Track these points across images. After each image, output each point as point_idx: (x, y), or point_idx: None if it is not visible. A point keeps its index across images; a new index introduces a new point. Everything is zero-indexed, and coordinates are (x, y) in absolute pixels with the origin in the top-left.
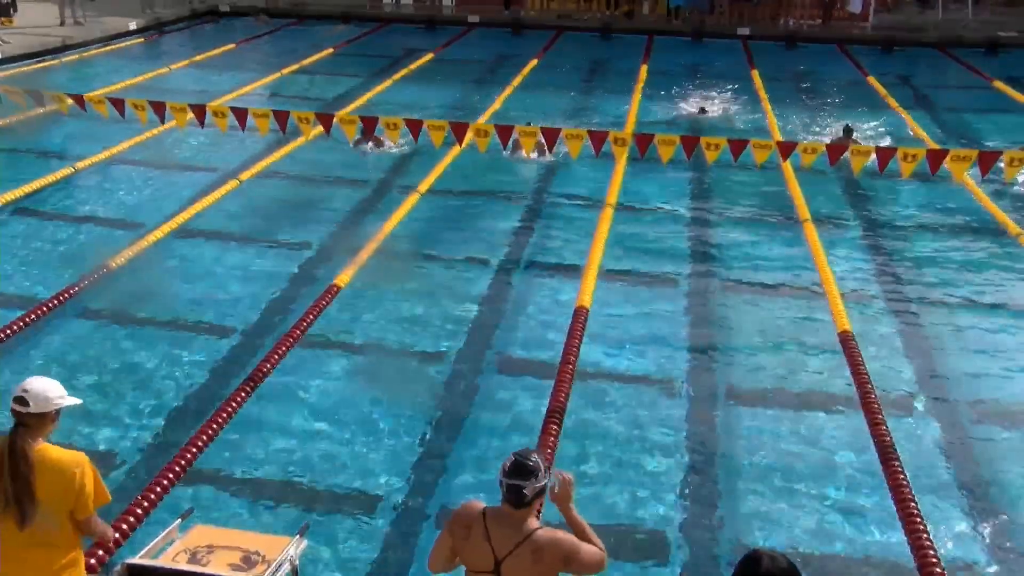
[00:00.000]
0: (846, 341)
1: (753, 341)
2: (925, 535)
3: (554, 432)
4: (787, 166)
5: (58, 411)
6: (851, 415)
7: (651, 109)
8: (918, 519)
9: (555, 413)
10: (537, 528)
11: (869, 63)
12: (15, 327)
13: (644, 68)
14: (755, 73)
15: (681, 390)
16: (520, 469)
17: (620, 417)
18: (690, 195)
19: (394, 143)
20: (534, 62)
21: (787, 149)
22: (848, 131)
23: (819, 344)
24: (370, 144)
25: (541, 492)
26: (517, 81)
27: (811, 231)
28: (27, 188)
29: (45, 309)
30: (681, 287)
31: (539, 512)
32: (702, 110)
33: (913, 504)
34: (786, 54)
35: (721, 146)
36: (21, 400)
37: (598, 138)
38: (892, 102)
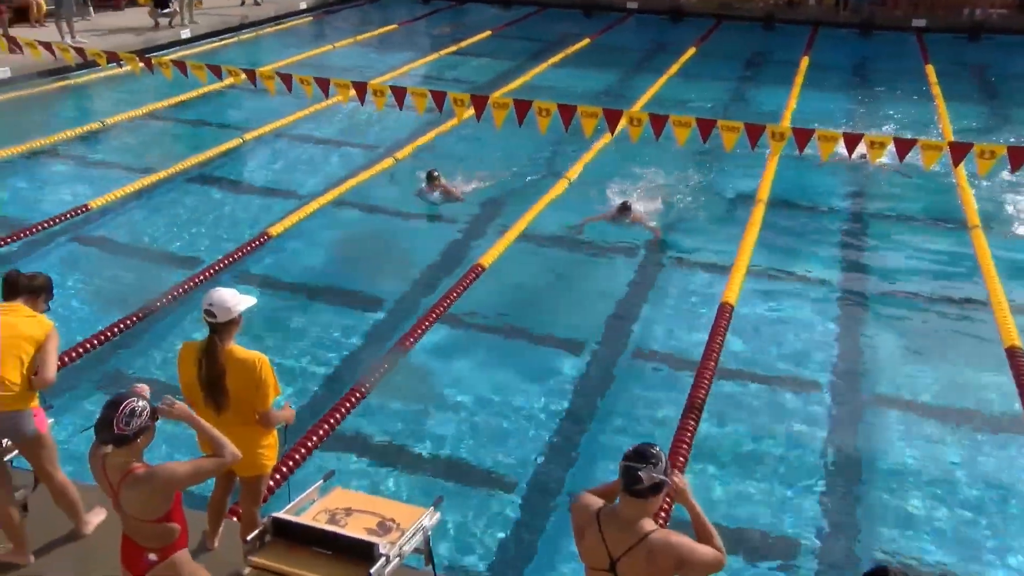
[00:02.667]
0: (1014, 356)
1: (905, 349)
2: None
3: (691, 428)
4: (960, 170)
5: (240, 315)
6: (1015, 435)
7: (810, 103)
8: None
9: (693, 410)
10: (652, 530)
11: None
12: (182, 288)
13: (805, 61)
14: (929, 68)
15: (824, 394)
16: (640, 454)
17: (758, 417)
18: (847, 194)
19: (543, 130)
20: (692, 51)
21: (960, 152)
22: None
23: (980, 358)
24: (436, 193)
25: (658, 487)
26: (673, 70)
27: (979, 239)
28: (201, 157)
29: (210, 272)
30: (832, 289)
31: (664, 520)
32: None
33: None
34: (968, 47)
35: (838, 139)
36: (209, 312)
37: (705, 126)
38: None
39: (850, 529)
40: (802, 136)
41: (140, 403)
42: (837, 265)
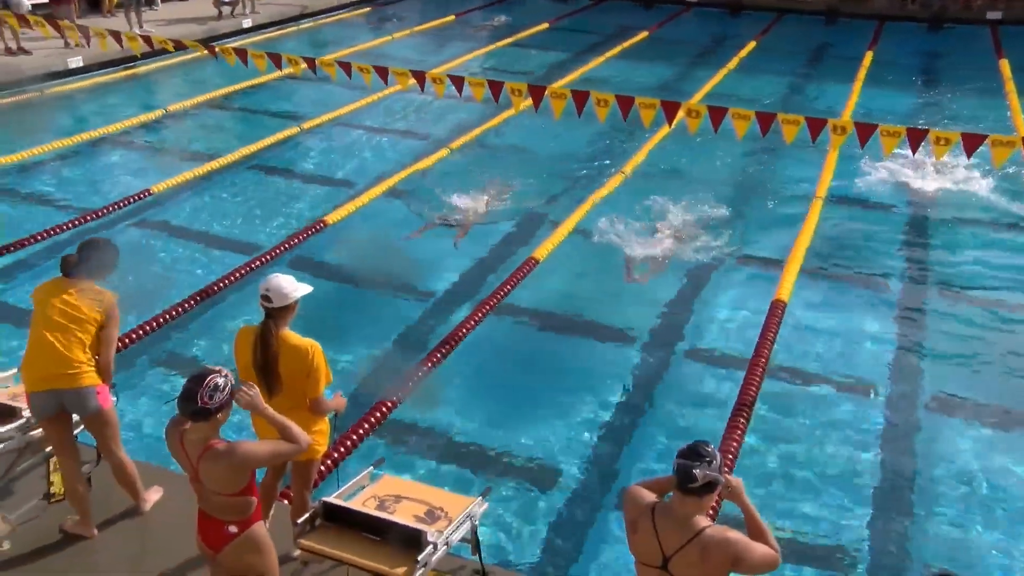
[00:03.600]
0: None
1: (965, 355)
2: None
3: (741, 427)
4: None
5: (296, 302)
6: None
7: (873, 100)
8: None
9: (743, 408)
10: (706, 527)
11: None
12: (239, 273)
13: (869, 56)
14: (1004, 63)
15: (880, 396)
16: (695, 452)
17: (810, 418)
18: (909, 192)
19: (602, 120)
20: (752, 45)
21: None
22: None
23: None
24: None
25: (712, 485)
26: (732, 64)
27: None
28: (260, 144)
29: (266, 258)
30: (891, 289)
31: (712, 517)
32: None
33: None
34: None
35: (901, 135)
36: (265, 297)
37: (765, 119)
38: None
39: (902, 538)
40: (864, 131)
41: (222, 379)
42: (896, 265)
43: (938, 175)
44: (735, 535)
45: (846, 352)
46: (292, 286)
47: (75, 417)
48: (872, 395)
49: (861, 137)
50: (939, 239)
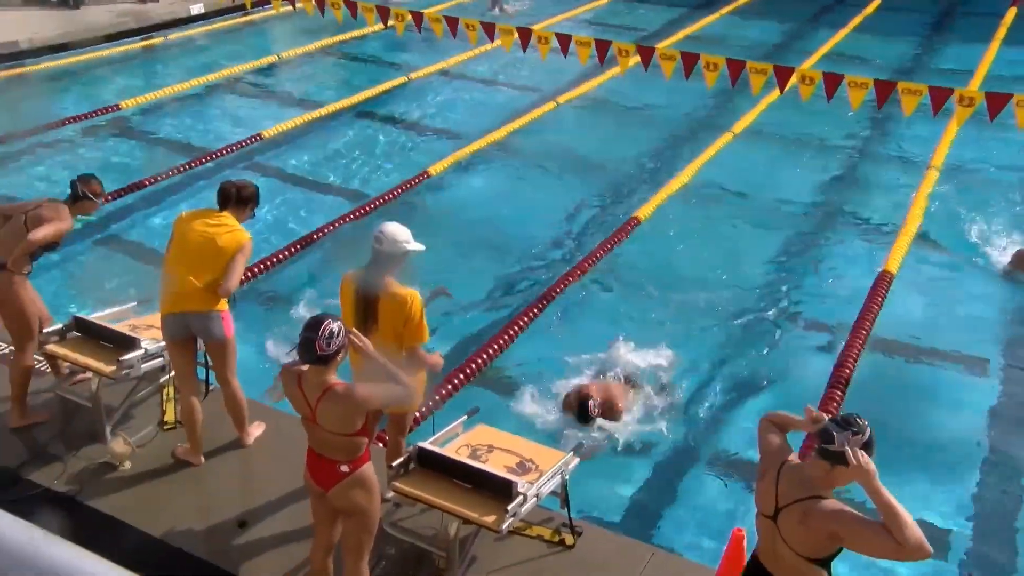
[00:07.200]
0: None
1: None
2: None
3: (837, 399)
4: None
5: (405, 254)
6: None
7: (1009, 64)
8: None
9: (839, 381)
10: (822, 495)
11: None
12: (341, 221)
13: (1012, 12)
14: None
15: (992, 374)
16: (847, 419)
17: (915, 395)
18: None
19: (711, 84)
20: (876, 2)
21: None
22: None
23: None
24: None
25: (842, 456)
26: (855, 22)
27: None
28: (368, 93)
29: (370, 207)
30: (1004, 264)
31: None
32: None
33: None
34: None
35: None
36: (377, 240)
37: (884, 87)
38: None
39: (1008, 526)
40: (996, 101)
41: (335, 324)
42: (1013, 239)
43: None
44: (844, 514)
45: (956, 327)
46: (405, 236)
47: (200, 343)
48: (983, 371)
49: (992, 108)
50: None
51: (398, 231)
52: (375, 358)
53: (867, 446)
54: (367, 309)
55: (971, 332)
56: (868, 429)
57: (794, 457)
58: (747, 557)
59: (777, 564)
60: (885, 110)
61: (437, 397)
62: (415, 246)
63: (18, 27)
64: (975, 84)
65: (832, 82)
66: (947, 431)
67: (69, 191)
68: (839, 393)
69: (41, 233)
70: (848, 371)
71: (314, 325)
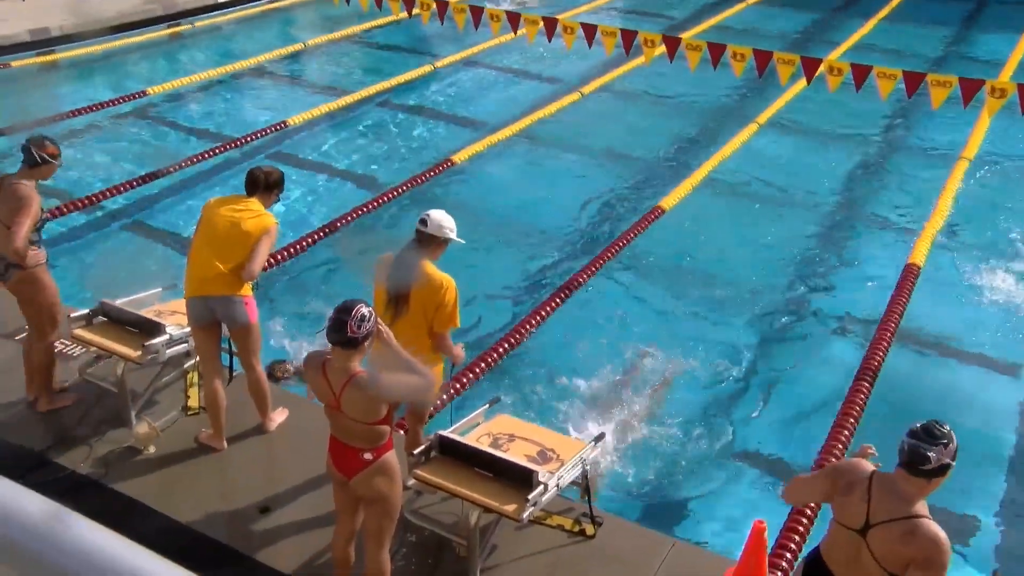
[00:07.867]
0: None
1: None
2: None
3: (864, 391)
4: None
5: (446, 241)
6: None
7: None
8: None
9: (867, 374)
10: (925, 515)
11: None
12: (364, 208)
13: None
14: None
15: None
16: (929, 431)
17: (942, 392)
18: None
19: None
20: None
21: None
22: None
23: None
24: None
25: (943, 468)
26: (884, 12)
27: None
28: (393, 81)
29: (393, 194)
30: None
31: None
32: None
33: None
34: None
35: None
36: (423, 222)
37: (913, 79)
38: None
39: None
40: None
41: (366, 309)
42: None
43: None
44: (946, 541)
45: (986, 323)
46: (451, 225)
47: (224, 329)
48: (1013, 366)
49: None
50: None
51: (444, 218)
52: (394, 348)
53: (955, 450)
54: (401, 287)
55: (1001, 326)
56: (952, 433)
57: (870, 467)
58: (768, 550)
59: (856, 574)
60: (914, 100)
61: (458, 385)
62: (457, 238)
63: (48, 14)
64: (1006, 75)
65: (860, 73)
66: (975, 426)
67: (23, 158)
68: (866, 386)
69: (23, 229)
70: (877, 362)
71: (347, 308)
